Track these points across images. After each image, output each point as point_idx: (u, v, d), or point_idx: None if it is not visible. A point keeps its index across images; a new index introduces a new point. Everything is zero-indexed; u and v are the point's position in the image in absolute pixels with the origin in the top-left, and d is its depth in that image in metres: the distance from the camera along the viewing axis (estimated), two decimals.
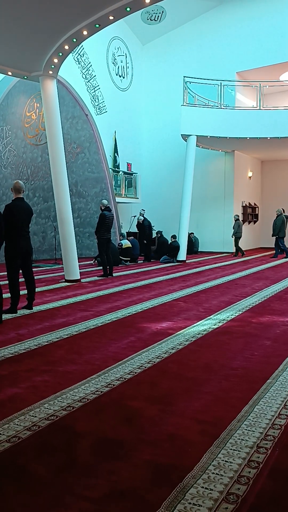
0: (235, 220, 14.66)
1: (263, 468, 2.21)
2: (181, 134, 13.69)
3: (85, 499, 1.99)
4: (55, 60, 8.28)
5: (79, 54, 14.04)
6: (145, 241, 13.67)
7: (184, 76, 13.64)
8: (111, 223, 9.86)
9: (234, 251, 14.87)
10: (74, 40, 7.65)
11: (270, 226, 16.26)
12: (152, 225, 14.31)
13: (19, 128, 14.79)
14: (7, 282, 6.03)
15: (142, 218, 13.92)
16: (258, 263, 12.38)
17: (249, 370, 3.68)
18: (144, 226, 13.71)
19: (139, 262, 13.34)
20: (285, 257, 13.89)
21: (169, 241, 13.53)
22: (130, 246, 12.77)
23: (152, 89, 17.31)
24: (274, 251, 14.64)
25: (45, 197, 14.40)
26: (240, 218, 16.53)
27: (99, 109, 14.99)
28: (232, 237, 14.75)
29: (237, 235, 14.62)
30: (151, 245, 14.68)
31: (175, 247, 13.11)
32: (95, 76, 14.77)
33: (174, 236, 13.32)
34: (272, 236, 14.41)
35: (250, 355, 4.07)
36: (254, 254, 15.36)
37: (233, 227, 14.68)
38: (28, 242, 6.04)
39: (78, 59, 14.08)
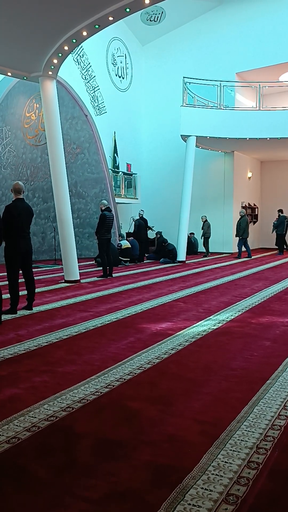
0: (204, 221, 14.80)
1: (263, 469, 2.21)
2: (181, 135, 13.69)
3: (85, 499, 1.99)
4: (55, 61, 8.29)
5: (78, 55, 14.04)
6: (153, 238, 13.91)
7: (184, 77, 13.64)
8: (111, 223, 9.86)
9: (205, 251, 15.10)
10: (74, 40, 7.65)
11: (270, 227, 16.36)
12: (150, 225, 14.35)
13: (18, 129, 14.78)
14: (7, 282, 6.03)
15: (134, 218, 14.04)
16: (257, 264, 12.39)
17: (249, 371, 3.68)
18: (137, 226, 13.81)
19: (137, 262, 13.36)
20: (247, 257, 14.22)
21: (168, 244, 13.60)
22: (130, 246, 12.77)
23: (151, 90, 17.32)
24: (268, 252, 14.82)
25: (45, 197, 14.40)
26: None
27: (98, 109, 14.99)
28: (202, 237, 14.98)
29: (206, 236, 14.89)
30: (150, 246, 14.72)
31: (171, 250, 13.14)
32: (94, 76, 14.77)
33: (165, 241, 13.38)
34: (236, 236, 14.61)
35: (250, 356, 4.07)
36: (254, 255, 15.35)
37: (202, 227, 14.79)
38: (28, 242, 6.03)
39: (77, 59, 14.08)
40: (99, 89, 14.99)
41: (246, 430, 2.62)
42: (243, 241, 14.29)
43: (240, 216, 14.40)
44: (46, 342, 4.60)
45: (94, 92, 14.84)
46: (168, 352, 4.21)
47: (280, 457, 2.33)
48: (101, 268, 10.34)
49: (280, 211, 15.91)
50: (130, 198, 16.19)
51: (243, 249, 14.37)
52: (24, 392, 3.26)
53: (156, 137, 17.19)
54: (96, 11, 6.85)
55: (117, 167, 15.39)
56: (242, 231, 14.19)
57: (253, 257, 14.51)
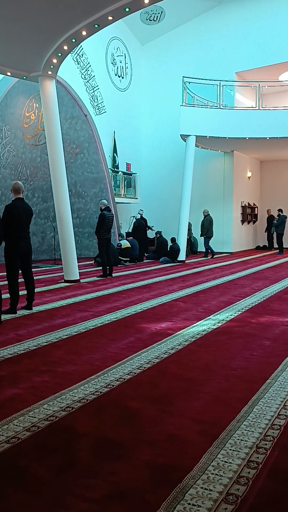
0: None
1: (263, 469, 2.22)
2: (180, 134, 13.69)
3: (85, 499, 1.99)
4: (54, 61, 8.28)
5: (78, 55, 14.04)
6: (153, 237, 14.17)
7: (183, 76, 13.63)
8: (111, 223, 9.86)
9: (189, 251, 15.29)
10: (73, 40, 7.65)
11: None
12: (149, 225, 14.36)
13: (18, 129, 14.78)
14: (6, 282, 6.03)
15: (138, 216, 14.02)
16: (257, 263, 12.39)
17: (249, 370, 3.68)
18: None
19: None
20: (211, 257, 14.43)
21: (169, 244, 13.56)
22: (129, 246, 12.77)
23: (151, 90, 17.31)
24: (263, 251, 14.98)
25: (44, 197, 14.39)
26: (239, 218, 16.62)
27: (98, 109, 14.98)
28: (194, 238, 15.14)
29: (189, 236, 15.11)
30: (150, 245, 14.71)
31: (176, 250, 13.12)
32: (94, 76, 14.76)
33: (173, 240, 13.34)
34: (200, 236, 14.71)
35: (250, 355, 4.08)
36: (253, 254, 15.37)
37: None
38: (28, 242, 6.03)
39: (77, 59, 14.07)
40: (98, 88, 14.98)
41: (246, 430, 2.62)
42: (208, 240, 14.48)
43: (203, 216, 14.51)
44: (46, 342, 4.60)
45: (94, 91, 14.83)
46: (168, 351, 4.21)
47: (280, 457, 2.33)
48: (100, 268, 10.34)
49: (280, 210, 15.93)
50: (130, 197, 16.18)
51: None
52: (24, 392, 3.27)
53: (155, 137, 17.18)
54: (96, 11, 6.85)
55: (117, 167, 15.38)
56: (205, 231, 14.39)
57: (252, 256, 14.52)
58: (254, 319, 5.56)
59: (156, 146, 17.19)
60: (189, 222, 14.87)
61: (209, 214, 14.56)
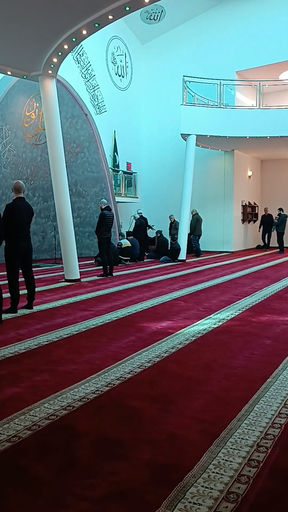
0: (172, 221, 14.89)
1: (263, 467, 2.21)
2: (181, 134, 13.68)
3: (85, 499, 1.99)
4: (55, 60, 8.28)
5: (78, 54, 14.02)
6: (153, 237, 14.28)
7: (184, 76, 13.62)
8: (111, 222, 9.86)
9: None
10: (74, 39, 7.64)
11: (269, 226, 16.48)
12: (149, 224, 14.35)
13: (18, 128, 14.78)
14: (7, 281, 6.04)
15: (137, 216, 14.01)
16: (258, 262, 12.38)
17: (249, 369, 3.68)
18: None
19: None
20: (194, 256, 14.49)
21: (169, 243, 13.56)
22: (130, 245, 12.77)
23: (151, 89, 17.29)
24: (266, 250, 15.02)
25: (45, 196, 14.40)
26: (240, 218, 16.60)
27: (98, 108, 14.98)
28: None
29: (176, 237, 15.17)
30: (150, 245, 14.71)
31: (176, 249, 13.11)
32: (94, 75, 14.75)
33: (174, 239, 13.34)
34: (189, 235, 14.70)
35: (250, 354, 4.07)
36: (254, 254, 15.36)
37: (174, 228, 14.87)
38: (28, 242, 6.04)
39: (77, 58, 14.06)
40: (99, 88, 14.97)
41: (246, 429, 2.62)
42: (196, 238, 14.59)
43: (192, 214, 14.55)
44: (47, 341, 4.60)
45: (94, 91, 14.82)
46: (168, 351, 4.21)
47: (281, 455, 2.33)
48: (101, 267, 10.34)
49: (281, 209, 15.92)
50: (130, 197, 16.17)
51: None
52: (25, 391, 3.27)
53: (156, 136, 17.17)
54: (96, 10, 6.84)
55: (117, 166, 15.37)
56: (192, 230, 14.52)
57: (253, 255, 14.51)
58: (254, 318, 5.56)
59: (156, 145, 17.18)
60: (177, 221, 14.84)
61: (197, 213, 14.64)
